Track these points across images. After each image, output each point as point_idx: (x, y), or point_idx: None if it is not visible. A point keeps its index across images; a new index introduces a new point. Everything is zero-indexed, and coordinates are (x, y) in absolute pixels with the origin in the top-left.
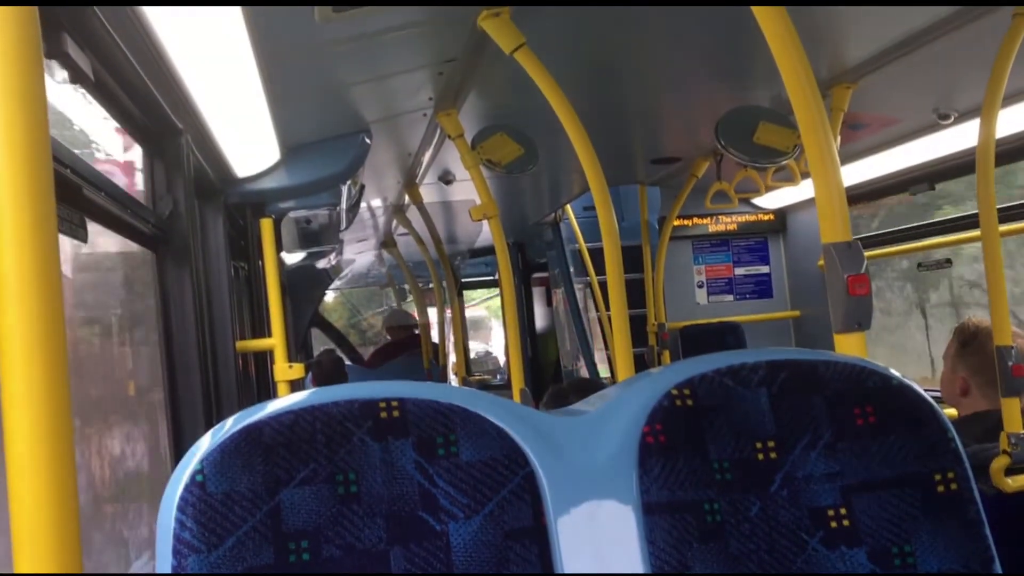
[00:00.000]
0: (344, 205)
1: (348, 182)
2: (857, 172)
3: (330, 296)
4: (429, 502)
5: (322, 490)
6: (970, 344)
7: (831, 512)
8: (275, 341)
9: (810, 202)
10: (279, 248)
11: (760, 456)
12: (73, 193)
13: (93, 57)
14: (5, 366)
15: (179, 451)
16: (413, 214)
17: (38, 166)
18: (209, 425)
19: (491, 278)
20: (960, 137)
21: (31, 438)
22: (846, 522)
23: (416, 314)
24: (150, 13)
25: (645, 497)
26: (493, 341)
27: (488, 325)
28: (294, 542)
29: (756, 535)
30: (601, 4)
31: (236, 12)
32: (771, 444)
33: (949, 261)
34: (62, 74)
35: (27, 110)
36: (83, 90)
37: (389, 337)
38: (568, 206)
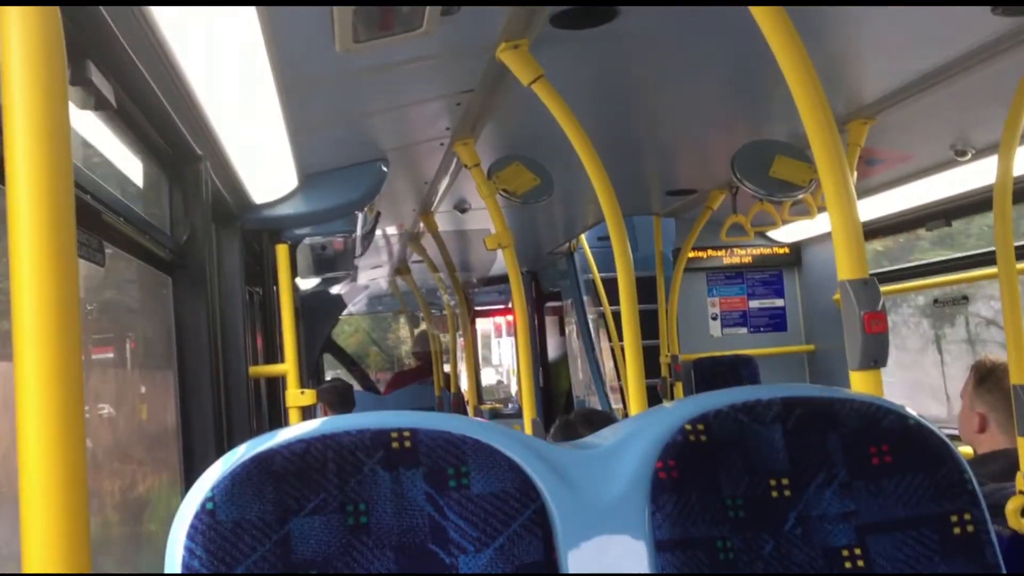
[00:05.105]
0: (360, 232)
1: (364, 209)
2: (873, 207)
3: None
4: (439, 534)
5: (332, 520)
6: (987, 380)
7: (846, 552)
8: (288, 367)
9: (826, 236)
10: (294, 274)
11: (774, 494)
12: (92, 217)
13: (116, 84)
14: (23, 387)
15: (190, 476)
16: (428, 242)
17: (60, 190)
18: (220, 450)
19: (504, 306)
20: (978, 174)
21: (44, 448)
22: (861, 562)
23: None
24: (173, 41)
25: (657, 534)
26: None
27: None
28: (304, 572)
29: (770, 574)
30: (618, 38)
31: (257, 40)
32: (785, 482)
33: (965, 298)
34: (87, 101)
35: (51, 136)
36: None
37: (417, 361)
38: (582, 236)
